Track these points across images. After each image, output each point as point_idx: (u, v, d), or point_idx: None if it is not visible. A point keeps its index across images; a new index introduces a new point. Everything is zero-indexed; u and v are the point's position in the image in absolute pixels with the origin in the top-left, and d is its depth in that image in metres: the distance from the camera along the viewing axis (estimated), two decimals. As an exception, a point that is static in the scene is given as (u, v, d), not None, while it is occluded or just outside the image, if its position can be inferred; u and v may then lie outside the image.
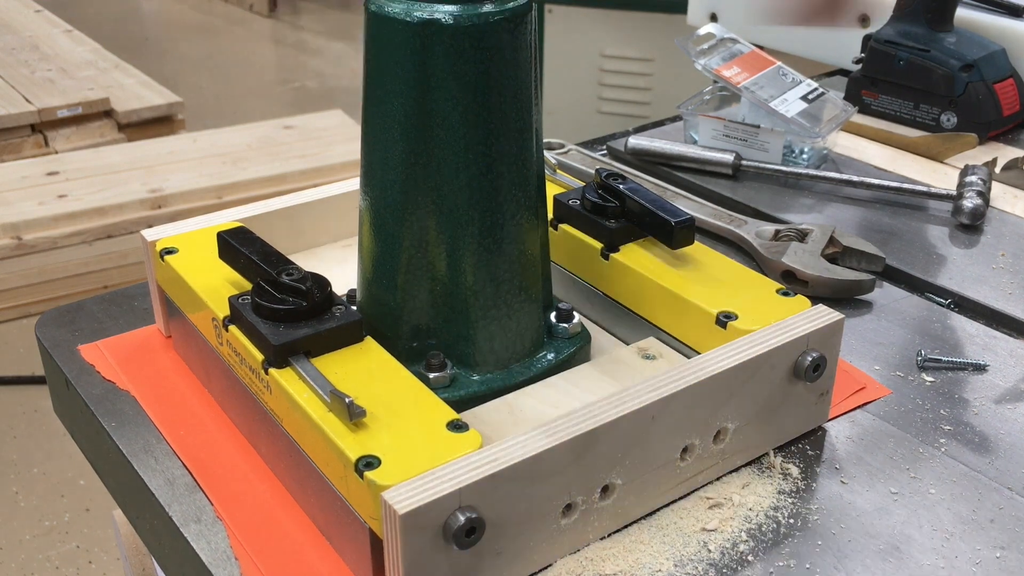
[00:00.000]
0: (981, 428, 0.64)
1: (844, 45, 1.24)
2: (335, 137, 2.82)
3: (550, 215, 0.71)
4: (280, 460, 0.58)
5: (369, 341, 0.57)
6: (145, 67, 3.25)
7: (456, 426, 0.51)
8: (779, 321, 0.59)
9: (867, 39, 1.13)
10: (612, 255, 0.67)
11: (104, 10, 4.96)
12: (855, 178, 0.95)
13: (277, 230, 0.74)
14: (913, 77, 1.08)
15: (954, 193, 0.91)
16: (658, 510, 0.56)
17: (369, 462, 0.48)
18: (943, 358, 0.70)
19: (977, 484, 0.59)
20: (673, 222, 0.64)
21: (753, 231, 0.84)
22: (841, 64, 1.28)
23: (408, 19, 0.55)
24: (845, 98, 1.12)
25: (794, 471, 0.60)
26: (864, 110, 1.13)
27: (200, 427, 0.63)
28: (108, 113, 2.89)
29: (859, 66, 1.14)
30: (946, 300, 0.79)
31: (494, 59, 0.56)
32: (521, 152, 0.59)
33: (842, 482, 0.59)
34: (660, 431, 0.53)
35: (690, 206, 0.88)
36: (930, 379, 0.69)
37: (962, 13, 1.12)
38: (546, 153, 0.72)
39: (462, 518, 0.46)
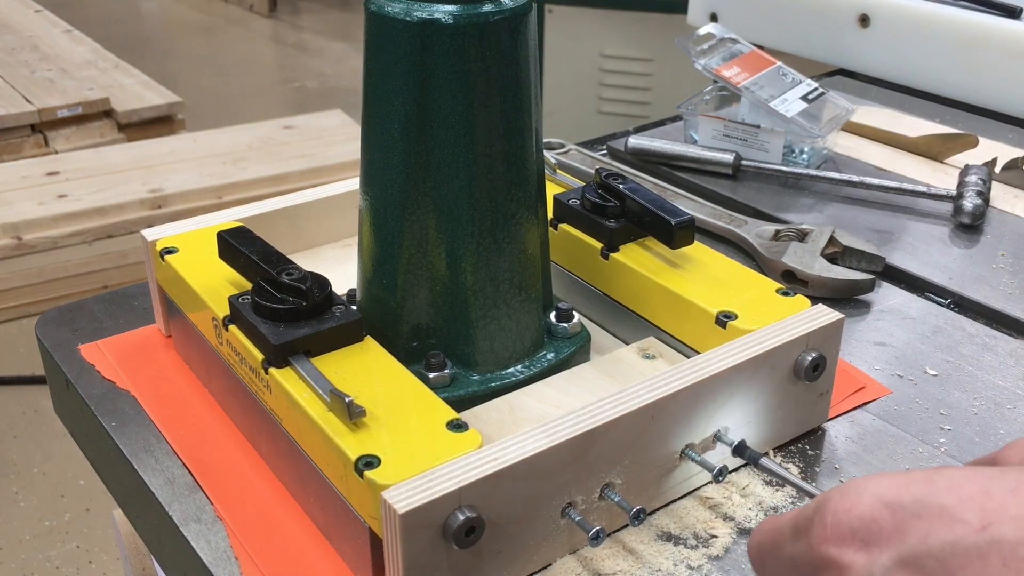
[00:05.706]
0: (981, 428, 0.64)
1: (844, 45, 1.24)
2: (335, 137, 2.82)
3: (550, 215, 0.71)
4: (280, 460, 0.58)
5: (369, 341, 0.57)
6: (145, 67, 3.25)
7: (456, 426, 0.51)
8: (779, 321, 0.59)
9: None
10: (612, 255, 0.67)
11: (104, 10, 4.96)
12: (855, 178, 0.94)
13: (277, 230, 0.74)
14: None
15: (954, 193, 0.91)
16: (658, 510, 0.56)
17: (369, 462, 0.48)
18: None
19: (977, 484, 0.59)
20: (673, 222, 0.64)
21: (753, 231, 0.84)
22: (841, 64, 1.28)
23: (408, 19, 0.55)
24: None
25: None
26: None
27: (200, 427, 0.63)
28: (108, 113, 2.89)
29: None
30: (946, 300, 0.79)
31: (494, 59, 0.56)
32: (521, 152, 0.59)
33: (841, 482, 0.59)
34: (660, 431, 0.53)
35: (690, 206, 0.88)
36: (933, 372, 0.69)
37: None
38: (546, 153, 0.72)
39: (462, 518, 0.46)
